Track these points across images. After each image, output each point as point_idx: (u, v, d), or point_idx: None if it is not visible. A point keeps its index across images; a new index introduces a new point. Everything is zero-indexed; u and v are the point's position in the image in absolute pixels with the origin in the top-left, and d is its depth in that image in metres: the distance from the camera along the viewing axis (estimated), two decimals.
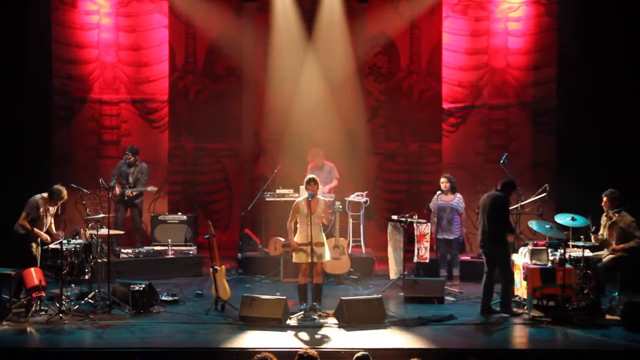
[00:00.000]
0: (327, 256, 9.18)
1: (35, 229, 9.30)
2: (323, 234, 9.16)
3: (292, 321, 8.72)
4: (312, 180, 9.06)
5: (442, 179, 10.89)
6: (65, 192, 9.48)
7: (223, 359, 7.72)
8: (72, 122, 12.63)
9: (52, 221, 9.62)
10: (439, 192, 10.80)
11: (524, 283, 9.17)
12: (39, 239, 9.38)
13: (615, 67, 11.66)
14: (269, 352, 5.74)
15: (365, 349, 6.15)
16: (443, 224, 10.70)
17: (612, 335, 8.32)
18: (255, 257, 11.59)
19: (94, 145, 12.70)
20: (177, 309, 9.36)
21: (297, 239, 9.06)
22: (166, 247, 11.49)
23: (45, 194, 9.44)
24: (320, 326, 8.60)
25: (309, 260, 8.91)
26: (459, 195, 10.88)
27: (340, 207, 11.14)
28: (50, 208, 9.47)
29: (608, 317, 8.96)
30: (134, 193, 11.63)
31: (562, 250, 8.90)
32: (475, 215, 10.57)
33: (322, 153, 12.00)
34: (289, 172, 12.43)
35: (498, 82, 12.65)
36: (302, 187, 9.86)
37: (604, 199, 9.39)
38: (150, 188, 11.81)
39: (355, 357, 5.87)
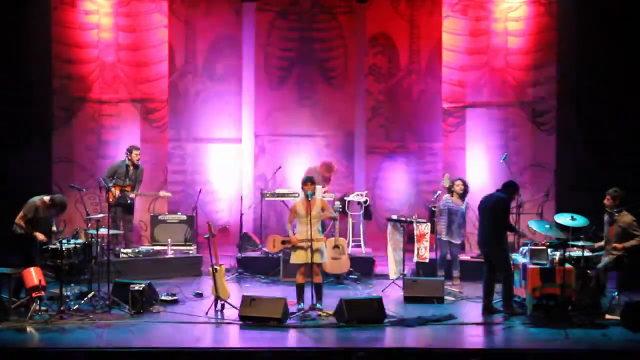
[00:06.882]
0: (325, 257, 9.21)
1: (32, 230, 9.28)
2: (322, 235, 9.16)
3: (292, 321, 8.73)
4: (308, 180, 9.07)
5: (458, 182, 10.65)
6: (66, 206, 9.47)
7: (223, 359, 7.72)
8: (72, 122, 12.62)
9: (54, 222, 9.59)
10: (440, 192, 10.75)
11: (524, 283, 9.17)
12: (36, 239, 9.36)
13: (615, 67, 11.65)
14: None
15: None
16: (453, 228, 10.57)
17: (612, 335, 8.31)
18: (255, 257, 11.58)
19: (94, 145, 12.69)
20: (176, 308, 9.35)
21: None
22: (166, 247, 11.48)
23: (46, 198, 9.40)
24: (320, 326, 8.60)
25: (307, 262, 8.95)
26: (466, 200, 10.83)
27: (340, 207, 11.14)
28: (48, 212, 9.42)
29: (608, 317, 8.94)
30: (134, 196, 11.38)
31: (562, 250, 8.90)
32: (475, 215, 10.55)
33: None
34: (289, 172, 12.43)
35: (498, 82, 12.65)
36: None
37: (607, 196, 9.35)
38: (163, 193, 11.81)
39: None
